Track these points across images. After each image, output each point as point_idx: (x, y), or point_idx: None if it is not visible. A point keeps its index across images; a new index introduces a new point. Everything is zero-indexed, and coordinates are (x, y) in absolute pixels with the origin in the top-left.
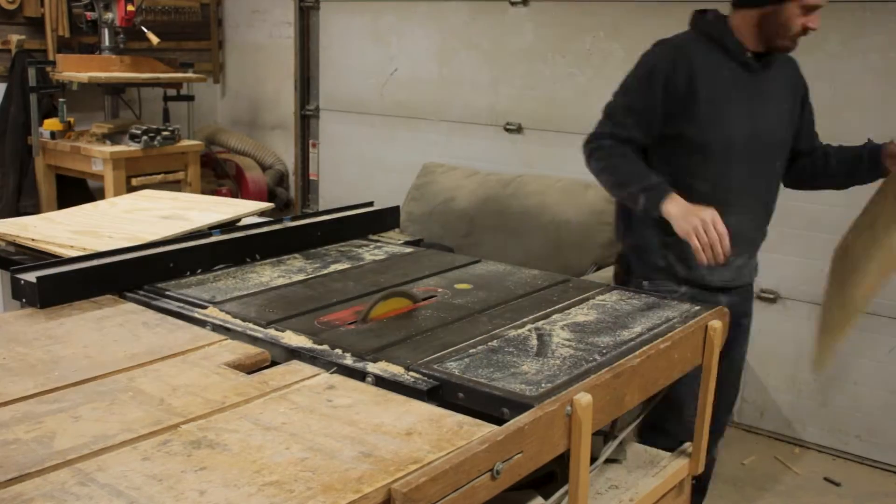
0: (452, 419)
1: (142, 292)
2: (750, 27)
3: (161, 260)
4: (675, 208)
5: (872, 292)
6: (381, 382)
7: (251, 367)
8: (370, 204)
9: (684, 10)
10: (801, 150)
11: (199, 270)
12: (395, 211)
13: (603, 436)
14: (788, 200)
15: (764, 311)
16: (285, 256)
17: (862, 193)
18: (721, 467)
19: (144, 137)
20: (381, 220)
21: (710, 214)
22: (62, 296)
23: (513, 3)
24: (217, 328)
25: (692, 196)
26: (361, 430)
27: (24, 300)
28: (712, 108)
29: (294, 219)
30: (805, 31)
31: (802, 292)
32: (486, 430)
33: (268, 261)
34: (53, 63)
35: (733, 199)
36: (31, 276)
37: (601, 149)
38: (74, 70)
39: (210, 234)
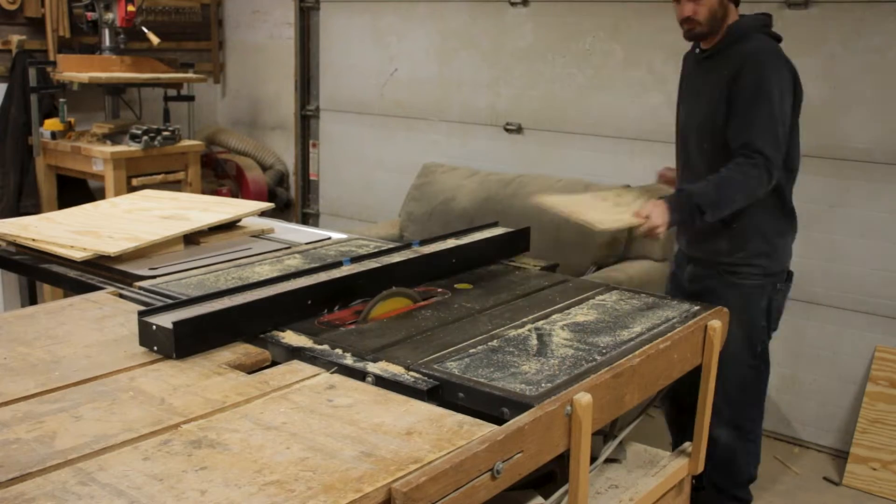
0: (452, 419)
1: (142, 291)
2: None
3: (298, 297)
4: None
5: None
6: (382, 382)
7: (252, 367)
8: (495, 224)
9: None
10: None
11: (336, 308)
12: (525, 233)
13: (603, 436)
14: None
15: None
16: (283, 255)
17: (862, 193)
18: None
19: (145, 137)
20: (514, 244)
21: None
22: (199, 343)
23: (513, 3)
24: None
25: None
26: (362, 429)
27: (154, 347)
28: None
29: (423, 243)
30: (683, 21)
31: (802, 292)
32: (486, 429)
33: (266, 261)
34: (54, 63)
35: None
36: (165, 321)
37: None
38: (75, 70)
39: (341, 265)
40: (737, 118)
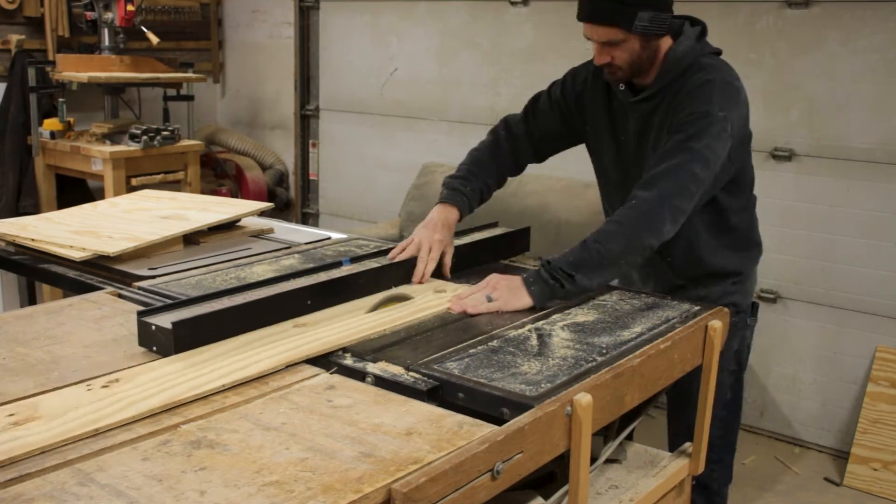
0: (452, 419)
1: (141, 291)
2: None
3: (296, 297)
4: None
5: None
6: (381, 382)
7: None
8: (495, 224)
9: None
10: None
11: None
12: (525, 233)
13: (603, 436)
14: (788, 201)
15: (764, 311)
16: (282, 255)
17: (863, 193)
18: None
19: (144, 137)
20: (514, 244)
21: (425, 235)
22: (198, 343)
23: (513, 3)
24: None
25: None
26: (361, 430)
27: (154, 348)
28: None
29: None
30: (602, 66)
31: (802, 292)
32: (486, 430)
33: (265, 261)
34: (53, 63)
35: None
36: (164, 321)
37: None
38: (74, 70)
39: (340, 265)
40: (656, 158)
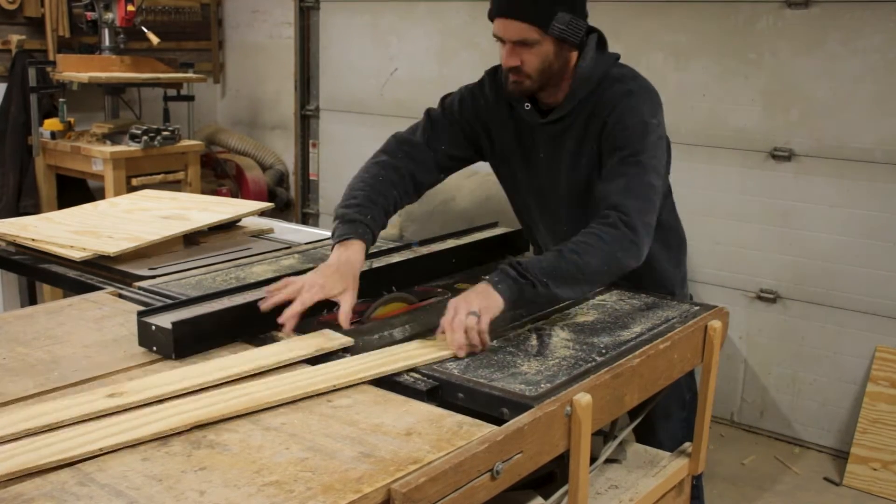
0: (452, 419)
1: (141, 291)
2: None
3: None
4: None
5: None
6: (381, 382)
7: None
8: (495, 224)
9: (684, 11)
10: None
11: (335, 308)
12: (522, 233)
13: (603, 436)
14: (788, 201)
15: (764, 311)
16: (282, 255)
17: (862, 193)
18: (721, 467)
19: (144, 137)
20: (514, 244)
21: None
22: (198, 343)
23: None
24: None
25: None
26: (361, 430)
27: (154, 348)
28: None
29: (423, 243)
30: (508, 70)
31: (802, 292)
32: (486, 430)
33: (265, 261)
34: (53, 63)
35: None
36: (164, 321)
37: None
38: (74, 70)
39: None
40: (608, 178)
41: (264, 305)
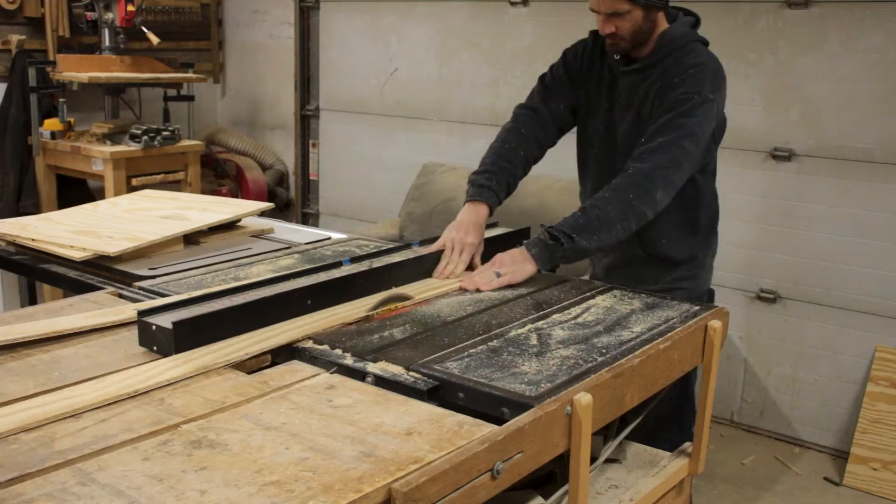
0: (452, 419)
1: (141, 291)
2: None
3: (296, 297)
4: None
5: None
6: (381, 382)
7: (251, 367)
8: (495, 224)
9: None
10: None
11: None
12: (525, 233)
13: (603, 436)
14: (788, 201)
15: (764, 311)
16: (282, 255)
17: (862, 193)
18: (721, 467)
19: (144, 137)
20: (514, 244)
21: (456, 238)
22: (198, 343)
23: (513, 3)
24: None
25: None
26: (361, 430)
27: (154, 347)
28: None
29: (423, 243)
30: (606, 36)
31: (802, 292)
32: (486, 429)
33: (265, 261)
34: (54, 63)
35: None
36: (164, 321)
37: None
38: (75, 70)
39: (340, 265)
40: (648, 136)
41: (441, 277)
